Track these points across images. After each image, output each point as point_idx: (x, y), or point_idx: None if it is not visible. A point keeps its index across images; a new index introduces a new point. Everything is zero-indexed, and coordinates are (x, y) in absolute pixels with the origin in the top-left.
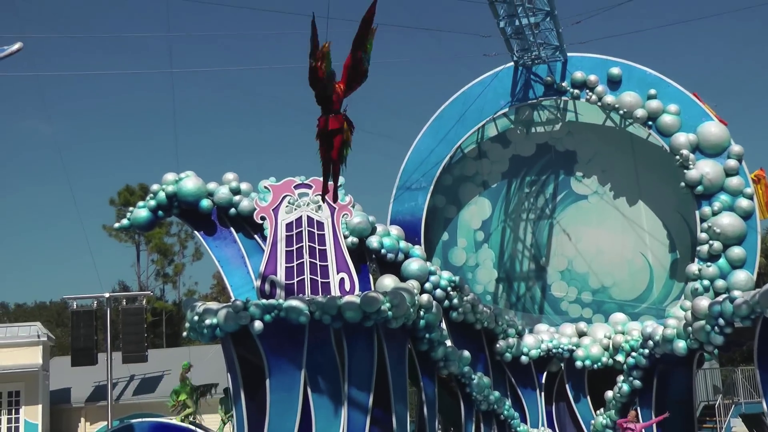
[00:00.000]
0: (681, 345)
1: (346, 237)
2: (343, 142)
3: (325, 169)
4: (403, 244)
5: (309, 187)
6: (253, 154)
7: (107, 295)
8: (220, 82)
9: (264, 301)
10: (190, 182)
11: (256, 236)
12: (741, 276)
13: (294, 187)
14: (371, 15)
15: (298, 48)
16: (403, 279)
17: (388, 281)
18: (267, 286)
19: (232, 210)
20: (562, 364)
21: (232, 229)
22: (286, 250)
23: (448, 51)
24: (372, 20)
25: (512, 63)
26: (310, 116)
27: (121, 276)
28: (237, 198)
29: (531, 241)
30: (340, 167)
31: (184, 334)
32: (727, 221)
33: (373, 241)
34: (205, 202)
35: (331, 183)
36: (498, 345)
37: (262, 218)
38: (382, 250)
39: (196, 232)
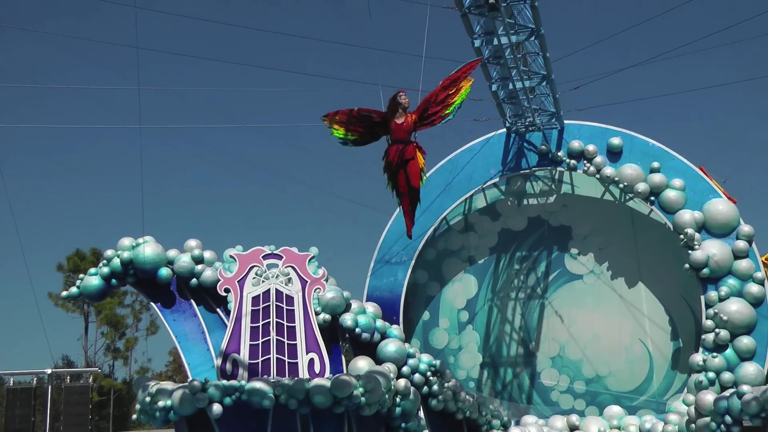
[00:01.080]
0: None
1: (317, 313)
2: (419, 169)
3: (405, 202)
4: (379, 323)
5: (279, 257)
6: (219, 220)
7: (49, 371)
8: (187, 139)
9: (224, 381)
10: (148, 248)
11: (218, 310)
12: (750, 369)
13: (262, 257)
14: (471, 68)
15: (274, 105)
16: (378, 361)
17: (363, 363)
18: (228, 366)
19: (194, 280)
20: None
21: (192, 301)
22: (251, 326)
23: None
24: (469, 71)
25: (504, 129)
26: (283, 182)
27: (66, 350)
28: (199, 267)
29: (520, 323)
30: (419, 198)
31: (134, 416)
32: (736, 308)
33: (347, 319)
34: (164, 271)
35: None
36: None
37: (226, 290)
38: (357, 329)
39: (152, 303)
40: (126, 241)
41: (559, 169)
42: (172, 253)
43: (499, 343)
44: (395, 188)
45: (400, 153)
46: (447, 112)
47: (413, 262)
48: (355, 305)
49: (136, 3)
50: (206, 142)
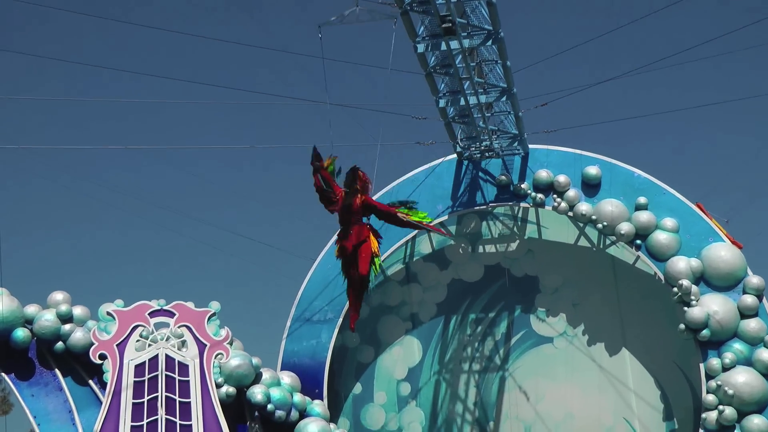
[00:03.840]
0: None
1: (219, 386)
2: (371, 254)
3: (352, 290)
4: (298, 397)
5: (170, 314)
6: (94, 269)
7: None
8: (50, 164)
9: None
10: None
11: (91, 382)
12: None
13: (149, 314)
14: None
15: (154, 130)
16: None
17: None
18: None
19: (59, 344)
20: None
21: (57, 371)
22: (134, 403)
23: (365, 135)
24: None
25: (455, 155)
26: (177, 219)
27: None
28: (67, 327)
29: (475, 399)
30: (367, 287)
31: None
32: (743, 379)
33: (257, 393)
34: (21, 333)
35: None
36: None
37: (102, 357)
38: (269, 406)
39: (3, 374)
40: None
41: (522, 205)
42: (31, 309)
43: (449, 424)
44: (345, 274)
45: (354, 235)
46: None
47: (340, 320)
48: (266, 375)
49: None
50: (76, 168)
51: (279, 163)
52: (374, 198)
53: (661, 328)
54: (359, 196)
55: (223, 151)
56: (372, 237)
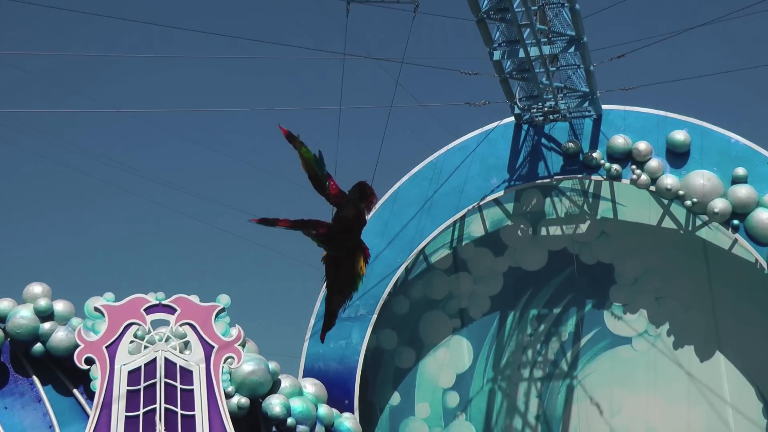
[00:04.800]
0: None
1: (229, 396)
2: (354, 273)
3: (330, 303)
4: (323, 410)
5: (170, 310)
6: (80, 256)
7: None
8: (24, 130)
9: None
10: None
11: (76, 392)
12: None
13: (145, 310)
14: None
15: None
16: None
17: None
18: None
19: (38, 346)
20: None
21: (35, 378)
22: (127, 417)
23: (402, 95)
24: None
25: (512, 118)
26: (182, 197)
27: None
28: (47, 326)
29: (537, 412)
30: (344, 303)
31: None
32: None
33: (275, 405)
34: None
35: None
36: None
37: (89, 361)
38: (289, 420)
39: None
40: None
41: (594, 178)
42: (3, 304)
43: None
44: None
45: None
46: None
47: (375, 316)
48: (286, 383)
49: None
50: (55, 135)
51: (304, 130)
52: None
53: (765, 328)
54: (361, 213)
55: (237, 116)
56: (359, 254)
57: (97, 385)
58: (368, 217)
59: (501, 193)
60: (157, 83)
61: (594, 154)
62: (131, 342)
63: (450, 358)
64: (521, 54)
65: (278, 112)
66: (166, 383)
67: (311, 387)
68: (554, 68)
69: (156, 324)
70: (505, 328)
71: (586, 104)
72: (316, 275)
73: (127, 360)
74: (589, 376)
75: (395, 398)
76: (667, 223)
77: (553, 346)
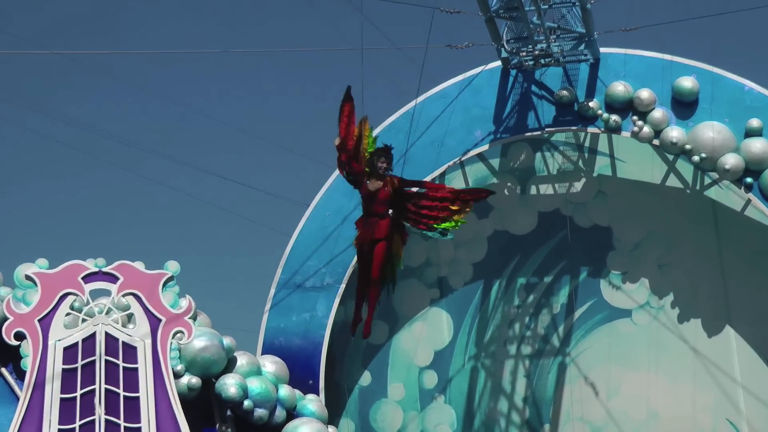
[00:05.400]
0: None
1: (178, 375)
2: (390, 255)
3: (360, 291)
4: (285, 391)
5: (112, 279)
6: (6, 214)
7: None
8: None
9: None
10: None
11: (4, 371)
12: None
13: (83, 278)
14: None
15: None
16: None
17: None
18: None
19: None
20: None
21: None
22: (62, 399)
23: (373, 36)
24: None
25: (499, 62)
26: (122, 149)
27: None
28: None
29: (525, 394)
30: (379, 292)
31: None
32: None
33: (230, 386)
34: None
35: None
36: None
37: (19, 336)
38: (246, 402)
39: None
40: None
41: (591, 130)
42: None
43: (490, 427)
44: (360, 269)
45: (370, 231)
46: (443, 226)
47: (343, 286)
48: (243, 361)
49: None
50: None
51: (261, 76)
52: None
53: None
54: (389, 181)
55: (190, 61)
56: (397, 236)
57: (29, 363)
58: (390, 183)
59: (486, 147)
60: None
61: (591, 104)
62: (67, 314)
63: (427, 333)
64: None
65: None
66: (106, 361)
67: (271, 365)
68: (546, 6)
69: (95, 294)
70: (490, 299)
71: (582, 47)
72: (278, 239)
73: (62, 335)
74: (583, 353)
75: (365, 378)
76: (672, 181)
77: (544, 319)
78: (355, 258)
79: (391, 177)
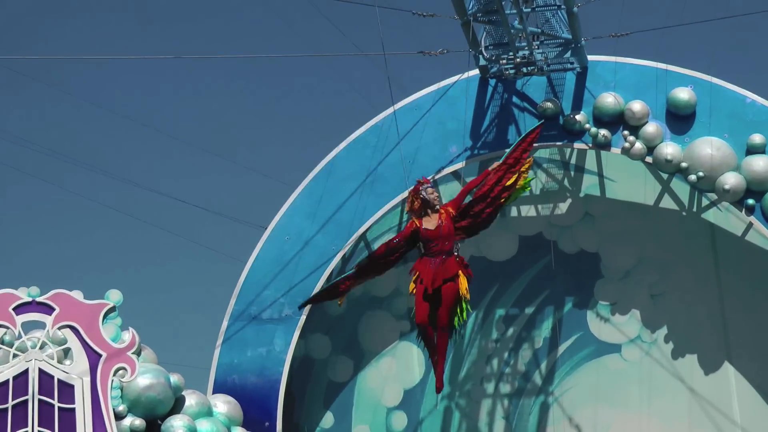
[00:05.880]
0: None
1: (120, 416)
2: (458, 297)
3: (428, 342)
4: None
5: (47, 309)
6: None
7: None
8: None
9: None
10: None
11: None
12: None
13: (14, 309)
14: (534, 137)
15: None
16: None
17: None
18: None
19: None
20: None
21: None
22: None
23: (339, 41)
24: (532, 143)
25: (477, 70)
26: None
27: None
28: None
29: None
30: (448, 341)
31: None
32: None
33: (177, 428)
34: None
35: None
36: None
37: None
38: None
39: None
40: None
41: (577, 146)
42: None
43: None
44: (428, 323)
45: (437, 270)
46: (513, 198)
47: (304, 318)
48: (192, 401)
49: None
50: None
51: (216, 84)
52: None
53: None
54: (445, 212)
55: (134, 64)
56: (461, 274)
57: None
58: (446, 212)
59: (462, 164)
60: None
61: (577, 117)
62: None
63: (396, 370)
64: None
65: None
66: (40, 401)
67: (223, 406)
68: (529, 9)
69: (28, 327)
70: (465, 332)
71: (568, 54)
72: (231, 266)
73: None
74: (568, 392)
75: (327, 420)
76: (667, 202)
77: (525, 354)
78: (317, 287)
79: (444, 207)
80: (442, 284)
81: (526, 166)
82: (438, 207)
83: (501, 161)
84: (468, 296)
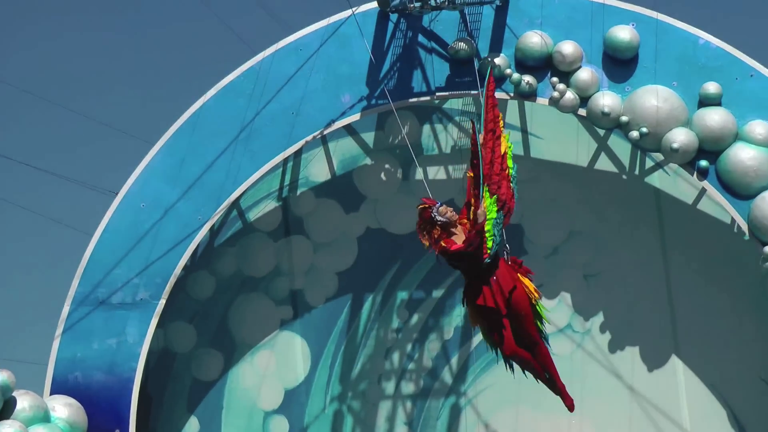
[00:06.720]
0: None
1: None
2: (535, 309)
3: (528, 366)
4: None
5: None
6: None
7: None
8: None
9: None
10: None
11: None
12: None
13: None
14: (493, 88)
15: None
16: None
17: None
18: None
19: None
20: None
21: None
22: None
23: None
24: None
25: (375, 3)
26: None
27: None
28: None
29: None
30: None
31: None
32: None
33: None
34: None
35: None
36: None
37: None
38: None
39: None
40: None
41: (497, 95)
42: None
43: None
44: (519, 347)
45: (497, 288)
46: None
47: (163, 302)
48: (24, 403)
49: None
50: None
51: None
52: None
53: (741, 319)
54: (466, 219)
55: None
56: (520, 277)
57: None
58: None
59: (356, 116)
60: None
61: (496, 60)
62: None
63: (276, 366)
64: None
65: None
66: None
67: (63, 409)
68: None
69: None
70: (360, 320)
71: None
72: (75, 239)
73: None
74: (484, 392)
75: (192, 426)
76: (604, 164)
77: (432, 347)
78: (179, 265)
79: (460, 218)
80: (510, 297)
81: (501, 122)
82: (456, 219)
83: (482, 132)
84: (537, 295)
